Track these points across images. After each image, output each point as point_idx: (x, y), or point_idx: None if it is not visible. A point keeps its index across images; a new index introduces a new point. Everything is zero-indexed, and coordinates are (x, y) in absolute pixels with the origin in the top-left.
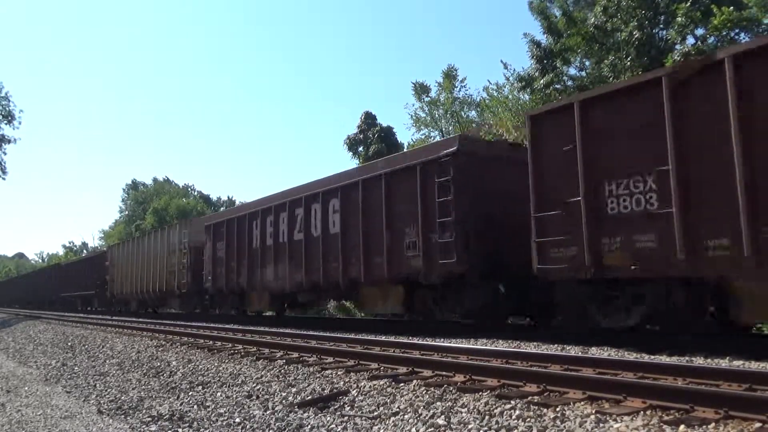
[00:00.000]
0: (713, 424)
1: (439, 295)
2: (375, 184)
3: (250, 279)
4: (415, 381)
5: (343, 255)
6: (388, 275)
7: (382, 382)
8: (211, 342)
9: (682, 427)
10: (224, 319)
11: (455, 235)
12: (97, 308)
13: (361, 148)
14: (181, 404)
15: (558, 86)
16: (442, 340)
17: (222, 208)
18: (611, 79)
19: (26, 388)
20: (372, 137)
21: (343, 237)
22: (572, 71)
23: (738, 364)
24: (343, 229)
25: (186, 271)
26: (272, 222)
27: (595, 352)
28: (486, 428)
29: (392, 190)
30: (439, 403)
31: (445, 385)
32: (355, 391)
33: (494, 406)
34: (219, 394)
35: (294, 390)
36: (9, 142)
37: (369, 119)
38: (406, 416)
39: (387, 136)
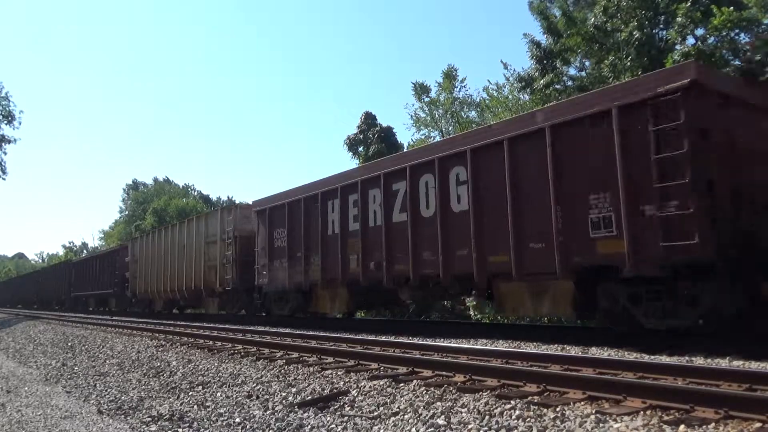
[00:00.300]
0: (713, 424)
1: (648, 292)
2: (532, 142)
3: (324, 273)
4: (415, 381)
5: (478, 240)
6: (560, 265)
7: (382, 382)
8: (211, 342)
9: (682, 427)
10: (281, 322)
11: (695, 206)
12: (114, 309)
13: (361, 148)
14: (181, 404)
15: (558, 86)
16: (442, 340)
17: None
18: (611, 79)
19: (26, 388)
20: (372, 137)
21: (476, 216)
22: (572, 71)
23: (738, 364)
24: (476, 205)
25: (231, 265)
26: (357, 202)
27: (595, 352)
28: (486, 428)
29: (564, 148)
30: (439, 403)
31: (445, 385)
32: (355, 391)
33: (494, 406)
34: (219, 394)
35: (294, 390)
36: (9, 142)
37: (369, 119)
38: (406, 416)
39: (387, 136)
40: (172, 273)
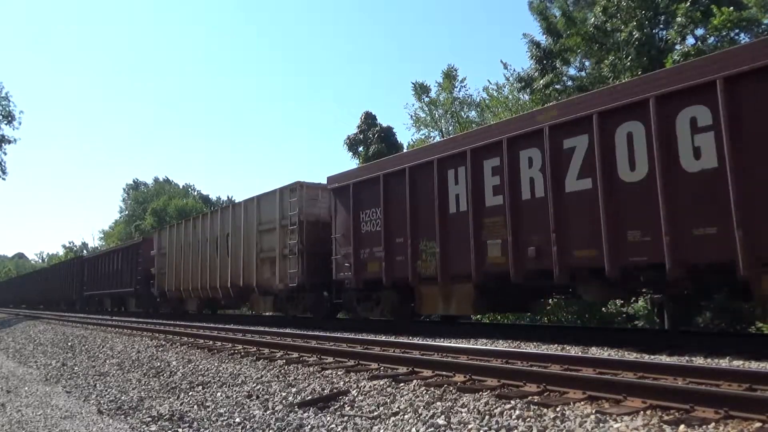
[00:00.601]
0: (713, 424)
1: None
2: None
3: (445, 263)
4: (415, 381)
5: (743, 211)
6: None
7: (382, 382)
8: (211, 342)
9: (682, 427)
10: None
11: None
12: (135, 310)
13: (361, 148)
14: (181, 404)
15: (558, 86)
16: (442, 340)
17: None
18: (611, 79)
19: (26, 388)
20: (372, 137)
21: (735, 175)
22: (572, 71)
23: (738, 364)
24: (736, 159)
25: (297, 256)
26: (500, 168)
27: (595, 352)
28: (486, 428)
29: None
30: (439, 403)
31: (445, 385)
32: (355, 391)
33: (494, 406)
34: (219, 394)
35: (294, 390)
36: (9, 142)
37: (369, 119)
38: (406, 416)
39: (387, 136)
40: (212, 267)
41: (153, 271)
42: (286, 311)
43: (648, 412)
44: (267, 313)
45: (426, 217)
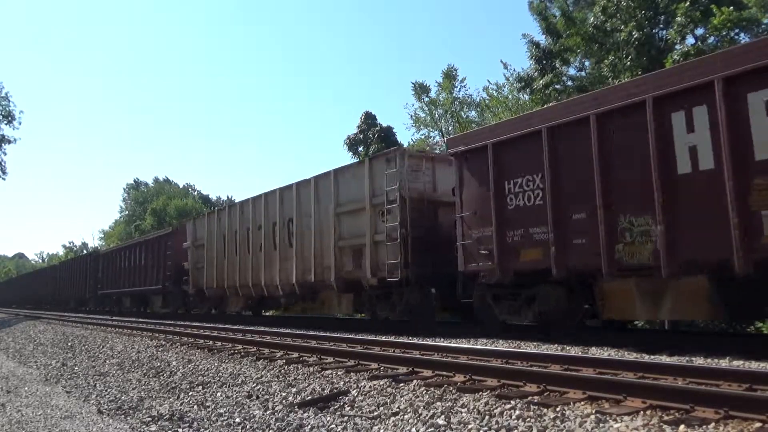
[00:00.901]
0: (713, 424)
1: None
2: None
3: (671, 247)
4: (415, 381)
5: None
6: None
7: (382, 382)
8: (211, 342)
9: (682, 427)
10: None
11: None
12: (160, 310)
13: (361, 148)
14: (181, 404)
15: (558, 86)
16: (442, 340)
17: None
18: (611, 79)
19: (26, 388)
20: (372, 137)
21: None
22: (572, 71)
23: (738, 364)
24: None
25: (398, 243)
26: None
27: (595, 352)
28: (486, 428)
29: None
30: (439, 403)
31: (445, 385)
32: (355, 391)
33: (494, 406)
34: (219, 394)
35: (294, 390)
36: (9, 142)
37: (369, 119)
38: (406, 416)
39: (387, 136)
40: (269, 261)
41: (186, 266)
42: (373, 312)
43: (648, 412)
44: (344, 315)
45: (631, 181)
